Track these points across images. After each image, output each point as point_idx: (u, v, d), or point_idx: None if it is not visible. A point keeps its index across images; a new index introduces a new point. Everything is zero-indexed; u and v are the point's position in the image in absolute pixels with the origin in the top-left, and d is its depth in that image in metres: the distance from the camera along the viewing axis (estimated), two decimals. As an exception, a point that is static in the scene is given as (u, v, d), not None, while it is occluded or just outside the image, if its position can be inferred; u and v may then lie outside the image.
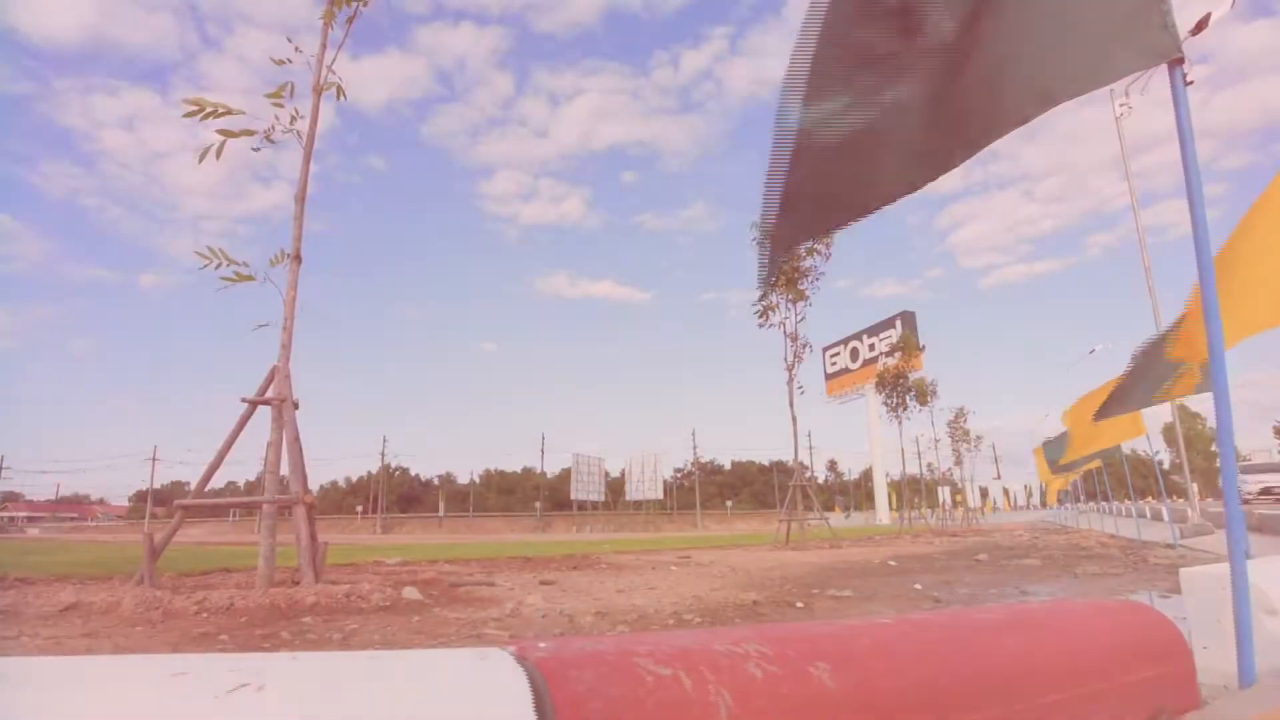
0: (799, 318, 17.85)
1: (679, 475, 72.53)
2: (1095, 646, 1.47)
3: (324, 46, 6.64)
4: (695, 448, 69.54)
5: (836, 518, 38.03)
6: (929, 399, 30.11)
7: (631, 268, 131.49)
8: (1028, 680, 1.30)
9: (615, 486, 59.09)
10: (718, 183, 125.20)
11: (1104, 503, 23.25)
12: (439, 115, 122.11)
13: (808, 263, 17.25)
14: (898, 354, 31.83)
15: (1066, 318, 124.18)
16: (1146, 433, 11.29)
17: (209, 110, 6.05)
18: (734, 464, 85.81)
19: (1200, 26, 12.44)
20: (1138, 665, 1.49)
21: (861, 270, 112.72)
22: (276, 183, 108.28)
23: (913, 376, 29.97)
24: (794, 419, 17.80)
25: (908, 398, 29.00)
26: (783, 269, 17.03)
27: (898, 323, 44.14)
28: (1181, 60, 1.83)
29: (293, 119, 6.47)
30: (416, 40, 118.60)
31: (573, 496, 51.31)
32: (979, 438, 41.03)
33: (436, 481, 76.16)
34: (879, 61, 1.69)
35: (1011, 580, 6.84)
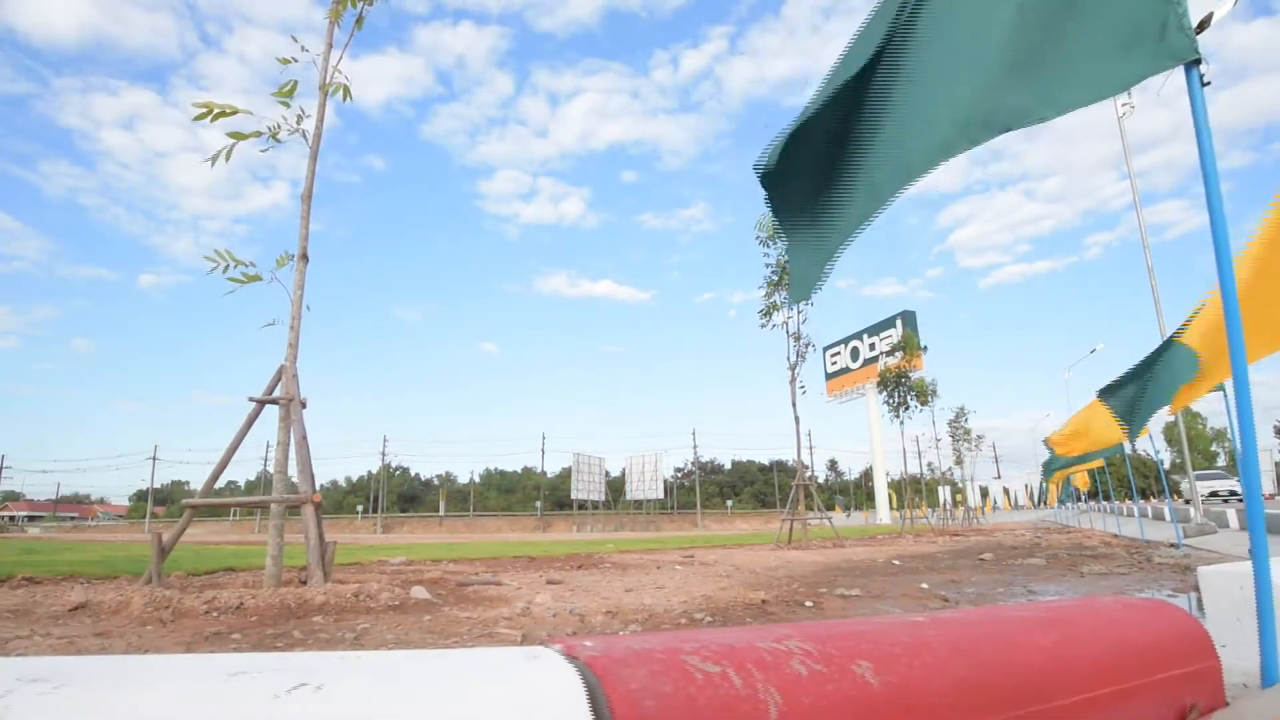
0: (802, 319, 17.89)
1: (679, 475, 72.62)
2: (1126, 644, 1.47)
3: (329, 46, 6.63)
4: (695, 447, 69.65)
5: (837, 517, 38.02)
6: (929, 399, 30.08)
7: (631, 268, 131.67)
8: (1063, 678, 1.30)
9: (615, 486, 59.07)
10: (718, 183, 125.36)
11: (1105, 502, 23.25)
12: (439, 115, 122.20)
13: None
14: (899, 353, 31.78)
15: (1066, 318, 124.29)
16: (1150, 433, 11.29)
17: (218, 111, 6.04)
18: (734, 463, 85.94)
19: (1202, 27, 12.45)
20: (1168, 663, 1.49)
21: (861, 270, 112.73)
22: (275, 182, 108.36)
23: (914, 376, 29.95)
24: (796, 419, 17.83)
25: (909, 397, 28.98)
26: (783, 268, 17.05)
27: (898, 322, 44.12)
28: (1199, 61, 1.83)
29: (299, 119, 6.45)
30: (416, 40, 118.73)
31: (573, 496, 51.29)
32: (980, 437, 40.99)
33: (436, 481, 76.22)
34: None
35: (1018, 579, 6.84)
